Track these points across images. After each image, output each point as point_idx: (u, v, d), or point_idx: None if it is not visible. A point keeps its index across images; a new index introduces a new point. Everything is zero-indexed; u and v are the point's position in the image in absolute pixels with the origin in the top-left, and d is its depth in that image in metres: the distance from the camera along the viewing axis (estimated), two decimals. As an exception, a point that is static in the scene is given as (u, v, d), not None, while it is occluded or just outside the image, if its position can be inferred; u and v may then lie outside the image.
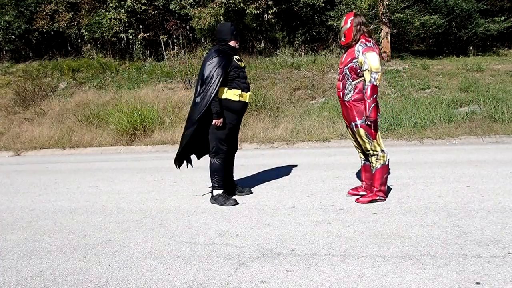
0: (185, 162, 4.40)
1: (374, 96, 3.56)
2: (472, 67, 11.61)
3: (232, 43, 4.05)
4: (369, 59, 3.54)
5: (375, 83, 3.54)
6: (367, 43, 3.61)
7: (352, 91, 3.68)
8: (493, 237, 2.84)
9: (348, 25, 3.68)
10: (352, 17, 3.67)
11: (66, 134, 10.04)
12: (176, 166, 4.33)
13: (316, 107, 10.06)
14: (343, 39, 3.77)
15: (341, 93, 3.77)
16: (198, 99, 3.97)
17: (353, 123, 3.74)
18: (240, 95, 4.02)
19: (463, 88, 10.11)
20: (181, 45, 15.08)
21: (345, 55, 3.77)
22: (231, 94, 3.99)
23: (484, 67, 11.55)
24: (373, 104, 3.57)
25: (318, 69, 11.91)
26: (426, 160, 5.87)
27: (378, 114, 3.75)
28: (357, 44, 3.64)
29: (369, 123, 3.64)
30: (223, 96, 3.98)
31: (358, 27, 3.65)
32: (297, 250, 2.79)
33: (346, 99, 3.73)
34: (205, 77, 3.92)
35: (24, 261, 2.86)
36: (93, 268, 2.68)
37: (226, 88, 3.98)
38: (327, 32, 14.89)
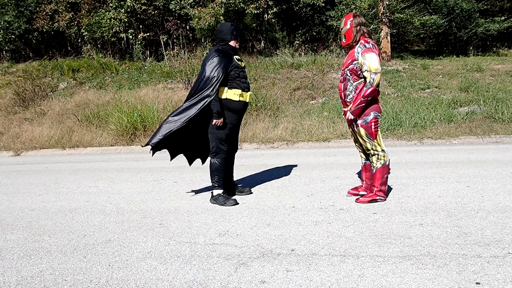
0: (167, 152, 4.37)
1: (369, 98, 3.59)
2: (472, 67, 11.61)
3: (232, 43, 4.05)
4: (368, 60, 3.56)
5: (374, 85, 3.56)
6: (366, 44, 3.63)
7: (353, 92, 3.71)
8: (493, 237, 2.84)
9: (348, 26, 3.70)
10: (352, 18, 3.69)
11: (66, 134, 10.05)
12: (153, 151, 4.12)
13: (316, 107, 10.06)
14: (343, 40, 3.79)
15: (342, 94, 3.80)
16: (196, 99, 3.97)
17: (353, 123, 3.77)
18: (241, 95, 4.02)
19: (463, 88, 10.11)
20: (181, 45, 15.08)
21: (346, 56, 3.80)
22: (232, 94, 3.99)
23: (484, 67, 11.55)
24: (362, 104, 3.62)
25: (318, 69, 11.91)
26: (426, 160, 5.87)
27: (379, 114, 3.77)
28: (357, 46, 3.67)
29: (350, 117, 3.69)
30: (224, 96, 3.98)
31: (358, 27, 3.67)
32: (297, 250, 2.79)
33: (347, 100, 3.76)
34: (205, 77, 3.93)
35: (24, 261, 2.86)
36: (93, 268, 2.68)
37: (226, 88, 3.98)
38: (327, 32, 14.90)
